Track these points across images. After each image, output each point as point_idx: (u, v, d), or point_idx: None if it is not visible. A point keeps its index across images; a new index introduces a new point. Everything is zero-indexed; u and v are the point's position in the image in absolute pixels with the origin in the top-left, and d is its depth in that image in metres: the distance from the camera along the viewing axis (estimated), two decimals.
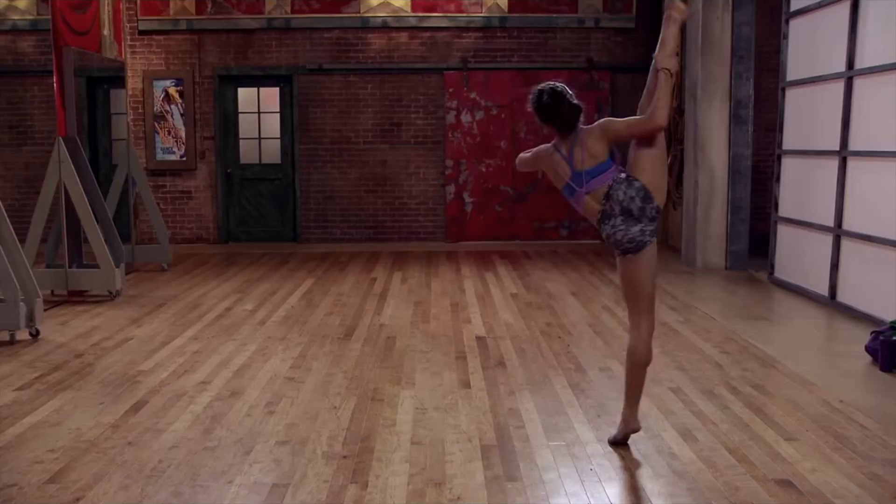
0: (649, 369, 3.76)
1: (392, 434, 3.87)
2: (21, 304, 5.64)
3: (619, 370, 4.86)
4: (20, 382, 4.77)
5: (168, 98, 10.58)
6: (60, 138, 7.00)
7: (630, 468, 3.46)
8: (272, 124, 10.83)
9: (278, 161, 10.85)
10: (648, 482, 3.32)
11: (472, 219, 10.67)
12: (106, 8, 9.05)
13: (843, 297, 6.57)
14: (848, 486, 3.29)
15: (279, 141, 10.83)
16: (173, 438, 3.87)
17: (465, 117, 10.54)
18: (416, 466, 3.49)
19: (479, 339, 5.67)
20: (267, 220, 10.91)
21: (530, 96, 3.72)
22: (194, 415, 4.20)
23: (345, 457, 3.61)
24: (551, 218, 10.66)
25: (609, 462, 3.53)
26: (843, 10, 6.63)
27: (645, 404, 4.24)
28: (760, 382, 4.64)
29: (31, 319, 5.74)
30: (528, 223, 10.65)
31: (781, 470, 3.44)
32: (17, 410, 4.28)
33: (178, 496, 3.26)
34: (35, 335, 5.80)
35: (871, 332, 5.25)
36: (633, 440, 3.74)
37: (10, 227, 5.79)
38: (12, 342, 5.65)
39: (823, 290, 6.80)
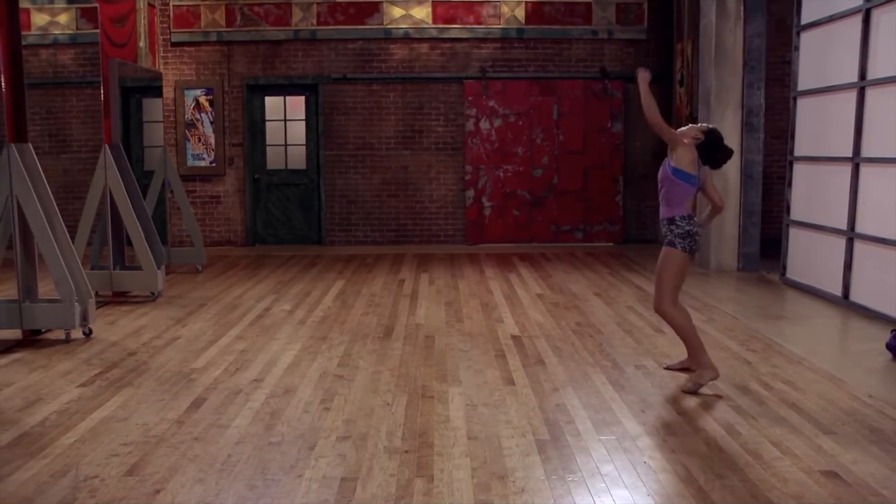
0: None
1: (448, 429, 3.89)
2: (75, 303, 5.66)
3: (655, 367, 4.91)
4: (82, 379, 4.79)
5: (198, 106, 10.62)
6: (106, 146, 7.04)
7: (682, 461, 3.48)
8: (298, 131, 10.87)
9: (304, 167, 10.88)
10: (702, 474, 3.35)
11: (490, 222, 10.70)
12: (142, 21, 9.10)
13: (857, 296, 6.60)
14: (891, 476, 3.32)
15: (304, 147, 10.86)
16: (237, 434, 3.89)
17: (484, 124, 10.58)
18: (476, 460, 3.51)
19: (515, 338, 5.70)
20: (293, 224, 10.95)
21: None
22: (253, 411, 4.21)
23: (406, 451, 3.63)
24: (567, 221, 10.70)
25: (661, 455, 3.55)
26: (855, 24, 6.66)
27: (685, 399, 4.30)
28: (790, 379, 4.67)
29: (84, 319, 5.77)
30: (545, 226, 10.69)
31: (825, 462, 3.47)
32: (85, 406, 4.30)
33: (252, 489, 3.28)
34: (88, 334, 5.83)
35: (892, 331, 5.29)
36: (681, 433, 3.78)
37: (65, 230, 5.82)
38: (67, 340, 5.68)
39: (837, 290, 6.83)
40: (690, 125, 4.71)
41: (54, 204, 5.75)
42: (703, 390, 4.44)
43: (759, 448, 3.62)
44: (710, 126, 4.68)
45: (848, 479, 3.30)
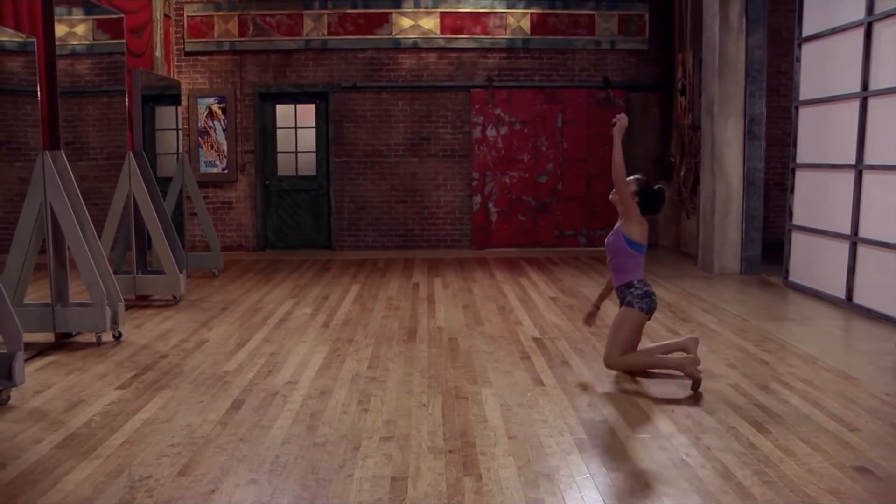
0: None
1: (487, 429, 3.91)
2: (106, 307, 5.65)
3: None
4: (119, 381, 4.78)
5: (211, 114, 10.61)
6: (130, 153, 7.03)
7: (718, 457, 3.52)
8: (308, 139, 10.87)
9: (314, 173, 10.89)
10: (738, 470, 3.39)
11: (496, 227, 10.74)
12: (158, 31, 9.09)
13: (860, 299, 6.67)
14: None
15: (314, 154, 10.87)
16: (281, 435, 3.89)
17: (490, 132, 10.63)
18: (520, 459, 3.53)
19: (536, 339, 5.73)
20: (303, 229, 10.95)
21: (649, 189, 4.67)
22: (293, 413, 4.21)
23: (450, 451, 3.64)
24: (570, 226, 10.76)
25: (697, 452, 3.59)
26: (857, 36, 6.75)
27: (711, 399, 4.34)
28: (808, 378, 4.73)
29: (114, 322, 5.75)
30: (549, 231, 10.75)
31: (855, 458, 3.52)
32: (126, 407, 4.30)
33: (306, 489, 3.28)
34: (118, 337, 5.82)
35: None
36: (712, 431, 3.82)
37: (95, 234, 5.81)
38: (98, 344, 5.67)
39: (840, 292, 6.90)
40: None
41: (85, 210, 5.74)
42: (726, 389, 4.49)
43: (790, 445, 3.66)
44: (637, 179, 4.68)
45: (880, 474, 3.35)
